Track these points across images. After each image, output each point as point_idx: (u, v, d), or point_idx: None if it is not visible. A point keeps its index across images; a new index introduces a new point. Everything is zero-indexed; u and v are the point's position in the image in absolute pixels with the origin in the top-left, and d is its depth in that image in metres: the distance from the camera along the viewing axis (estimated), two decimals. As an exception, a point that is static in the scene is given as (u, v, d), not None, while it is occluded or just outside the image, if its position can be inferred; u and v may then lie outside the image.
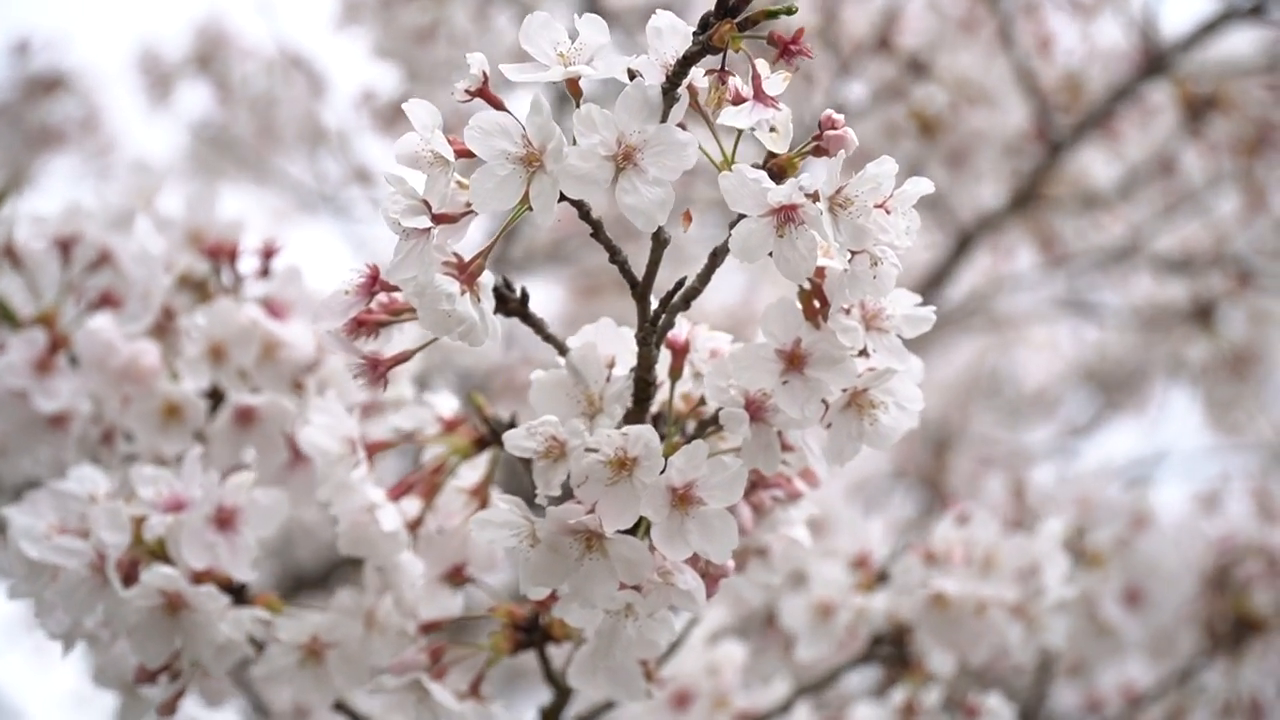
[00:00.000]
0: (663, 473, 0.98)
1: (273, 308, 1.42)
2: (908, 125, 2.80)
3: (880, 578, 1.57)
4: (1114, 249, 3.30)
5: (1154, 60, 2.71)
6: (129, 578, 1.20)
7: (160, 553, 1.22)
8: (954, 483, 3.48)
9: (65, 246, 1.48)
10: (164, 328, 1.45)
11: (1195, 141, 3.01)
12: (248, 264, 1.46)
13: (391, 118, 3.01)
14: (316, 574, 2.96)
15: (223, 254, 1.46)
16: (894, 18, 2.71)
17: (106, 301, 1.47)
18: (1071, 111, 2.95)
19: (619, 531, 0.99)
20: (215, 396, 1.42)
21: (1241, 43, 2.94)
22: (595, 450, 0.99)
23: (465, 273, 0.99)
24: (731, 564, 1.04)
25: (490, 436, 1.20)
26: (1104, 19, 2.82)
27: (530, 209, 0.95)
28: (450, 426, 1.22)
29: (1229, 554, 1.99)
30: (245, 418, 1.39)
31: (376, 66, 2.99)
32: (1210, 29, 2.68)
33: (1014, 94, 2.82)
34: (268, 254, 1.46)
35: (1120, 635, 1.90)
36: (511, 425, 1.19)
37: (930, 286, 2.85)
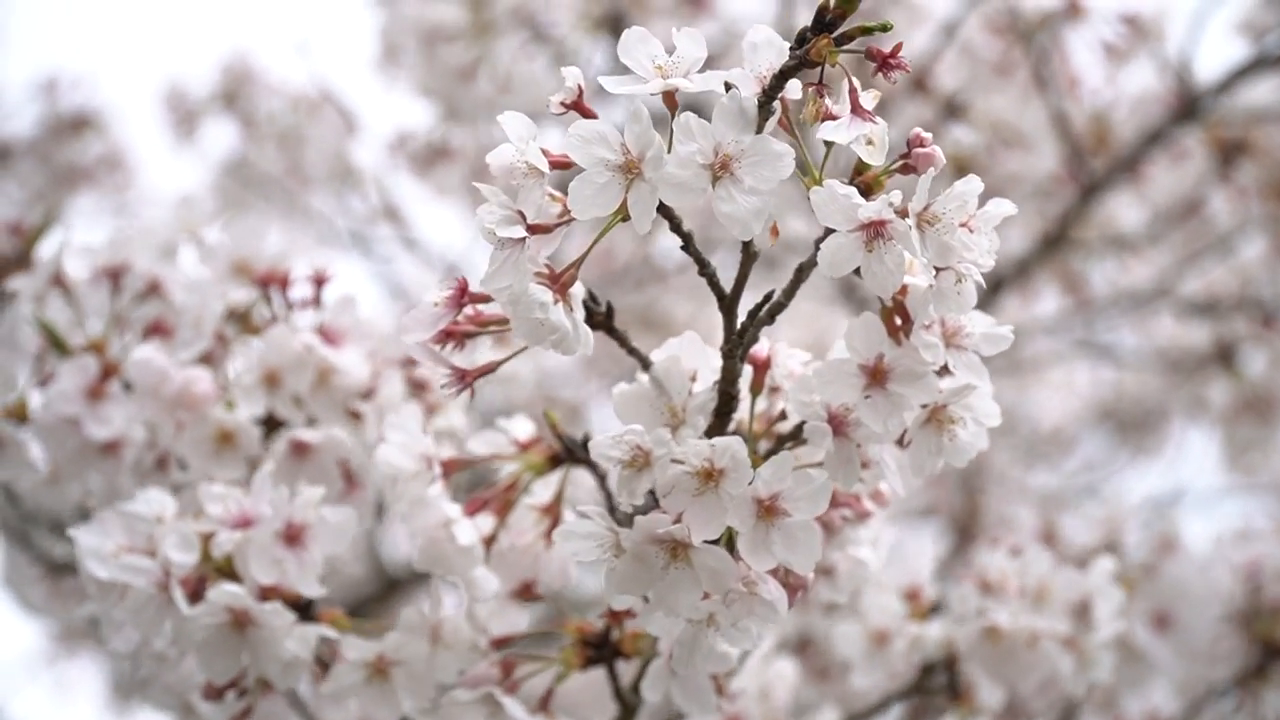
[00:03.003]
0: (750, 484, 0.99)
1: (327, 335, 1.43)
2: (945, 166, 2.79)
3: (931, 610, 1.57)
4: (1140, 292, 3.30)
5: (1187, 104, 2.72)
6: (195, 595, 1.20)
7: (228, 570, 1.23)
8: (985, 525, 3.46)
9: (114, 276, 1.49)
10: (213, 357, 1.46)
11: (1224, 186, 3.02)
12: (299, 292, 1.47)
13: (428, 159, 3.01)
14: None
15: (274, 282, 1.47)
16: (930, 60, 2.72)
17: (157, 330, 1.48)
18: (1099, 154, 2.95)
19: (705, 542, 1.00)
20: (269, 423, 1.42)
21: (1269, 89, 2.95)
22: (681, 462, 0.99)
23: (558, 283, 1.00)
24: (812, 575, 1.04)
25: (564, 454, 1.20)
26: (1138, 63, 2.81)
27: (625, 218, 0.96)
28: (525, 448, 1.22)
29: (1256, 578, 1.97)
30: (300, 451, 1.40)
31: (411, 107, 3.00)
32: (1243, 74, 2.69)
33: (1047, 137, 2.82)
34: (319, 282, 1.47)
35: (1150, 659, 1.89)
36: (585, 444, 1.20)
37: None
